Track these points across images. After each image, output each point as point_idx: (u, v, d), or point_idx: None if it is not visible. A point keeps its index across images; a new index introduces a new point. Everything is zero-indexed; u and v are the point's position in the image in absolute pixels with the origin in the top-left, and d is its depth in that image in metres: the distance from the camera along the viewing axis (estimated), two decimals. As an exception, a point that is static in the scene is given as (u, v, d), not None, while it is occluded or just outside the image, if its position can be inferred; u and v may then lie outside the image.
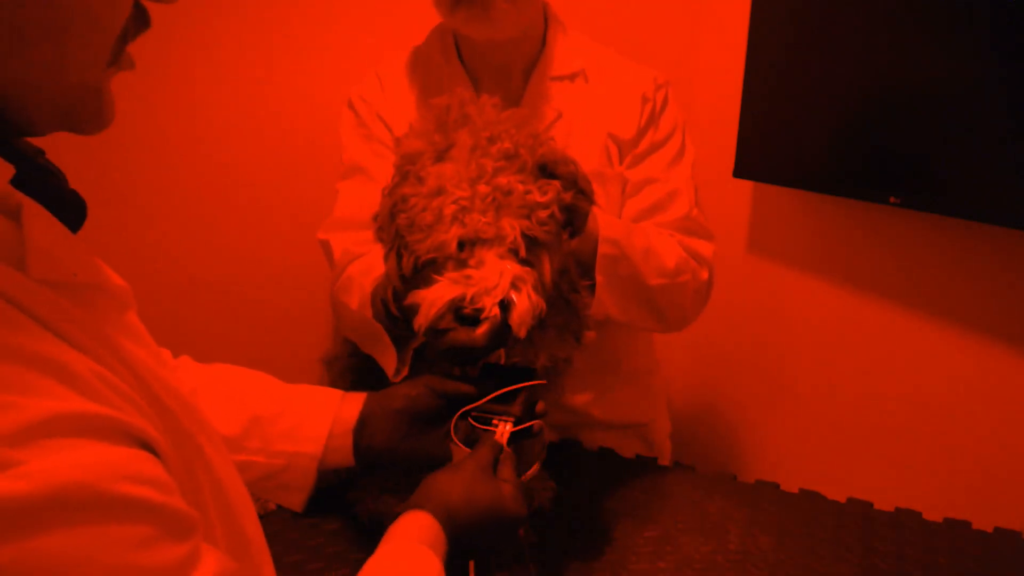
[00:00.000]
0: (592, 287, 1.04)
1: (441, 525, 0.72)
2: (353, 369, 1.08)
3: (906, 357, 1.47)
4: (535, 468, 0.86)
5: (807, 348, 1.71)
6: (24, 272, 0.44)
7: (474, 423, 0.86)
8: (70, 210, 0.51)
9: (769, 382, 1.83)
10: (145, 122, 1.63)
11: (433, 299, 0.81)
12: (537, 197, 0.82)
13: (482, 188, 0.81)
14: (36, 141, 0.51)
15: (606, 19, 1.75)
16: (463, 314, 0.80)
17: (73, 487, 0.38)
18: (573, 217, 0.88)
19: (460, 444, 0.86)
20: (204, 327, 1.73)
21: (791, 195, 1.67)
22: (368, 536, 0.99)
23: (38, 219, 0.47)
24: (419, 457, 0.88)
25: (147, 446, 0.45)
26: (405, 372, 0.96)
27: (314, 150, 1.71)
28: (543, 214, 0.83)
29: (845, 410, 1.61)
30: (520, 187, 0.82)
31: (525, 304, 0.80)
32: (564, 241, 0.90)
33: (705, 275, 1.18)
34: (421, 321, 0.82)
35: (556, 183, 0.85)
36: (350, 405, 0.90)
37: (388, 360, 0.97)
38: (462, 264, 0.82)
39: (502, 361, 0.92)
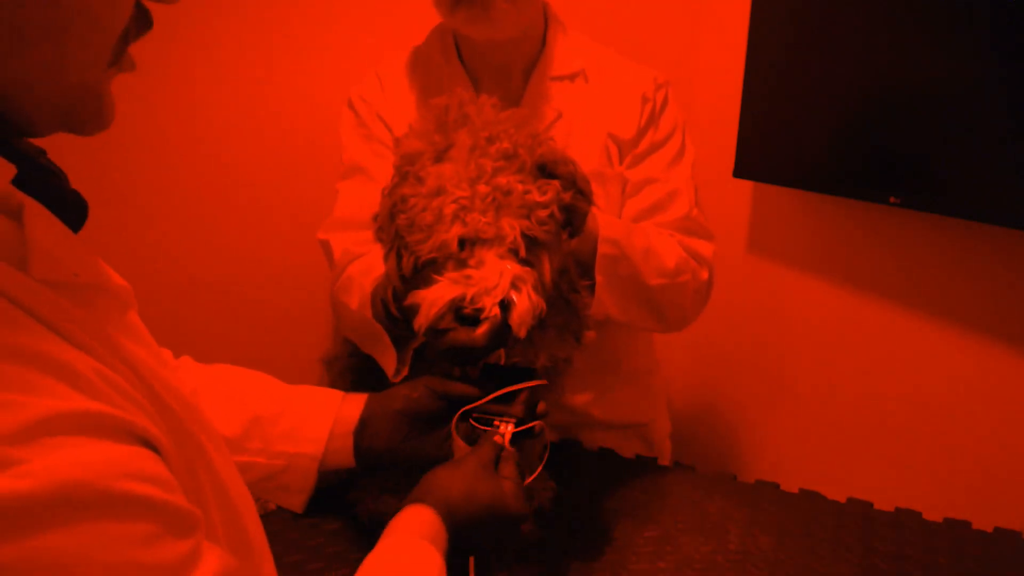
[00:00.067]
0: (592, 287, 1.04)
1: (442, 520, 0.72)
2: (353, 369, 1.08)
3: (906, 357, 1.47)
4: (539, 471, 0.86)
5: (807, 348, 1.71)
6: (26, 272, 0.44)
7: (475, 424, 0.86)
8: (71, 210, 0.51)
9: (769, 382, 1.83)
10: (145, 122, 1.63)
11: (433, 299, 0.81)
12: (536, 197, 0.82)
13: (482, 188, 0.81)
14: (37, 141, 0.51)
15: (606, 19, 1.75)
16: (463, 314, 0.80)
17: (75, 485, 0.38)
18: (572, 217, 0.88)
19: (462, 441, 0.86)
20: (204, 327, 1.73)
21: (791, 195, 1.67)
22: (368, 536, 0.98)
23: (40, 219, 0.47)
24: (420, 458, 0.88)
25: (149, 444, 0.45)
26: (405, 372, 0.96)
27: (314, 150, 1.71)
28: (542, 214, 0.83)
29: (845, 410, 1.61)
30: (519, 187, 0.81)
31: (525, 304, 0.80)
32: (564, 241, 0.90)
33: (705, 275, 1.18)
34: (421, 321, 0.82)
35: (555, 183, 0.85)
36: (351, 406, 0.90)
37: (388, 360, 0.97)
38: (462, 264, 0.82)
39: (502, 361, 0.92)
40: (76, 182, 0.53)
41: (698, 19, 1.87)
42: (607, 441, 1.29)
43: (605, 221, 1.06)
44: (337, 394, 0.92)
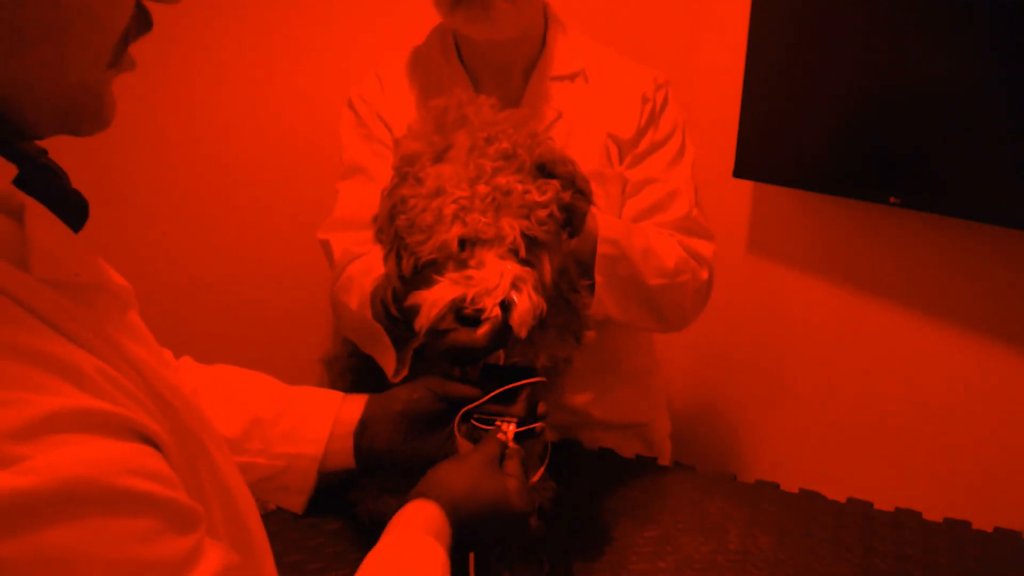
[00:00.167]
0: (592, 287, 1.04)
1: (446, 515, 0.72)
2: (353, 369, 1.08)
3: (906, 357, 1.47)
4: (541, 471, 0.86)
5: (807, 348, 1.72)
6: (27, 271, 0.44)
7: (477, 424, 0.86)
8: (72, 210, 0.51)
9: (769, 382, 1.83)
10: (145, 122, 1.64)
11: (434, 300, 0.81)
12: (536, 197, 0.82)
13: (481, 188, 0.80)
14: (38, 141, 0.51)
15: (606, 19, 1.75)
16: (464, 315, 0.80)
17: (77, 481, 0.38)
18: (572, 217, 0.88)
19: (465, 440, 0.85)
20: (204, 327, 1.74)
21: (791, 195, 1.67)
22: (368, 536, 0.98)
23: (41, 219, 0.47)
24: (420, 459, 0.88)
25: (151, 441, 0.45)
26: (405, 373, 0.96)
27: (314, 150, 1.71)
28: (542, 214, 0.83)
29: (845, 410, 1.61)
30: (519, 187, 0.81)
31: (526, 304, 0.80)
32: (564, 241, 0.90)
33: (705, 275, 1.18)
34: (422, 322, 0.81)
35: (555, 183, 0.85)
36: (351, 407, 0.90)
37: (388, 361, 0.97)
38: (462, 265, 0.82)
39: (501, 361, 0.92)
40: (76, 182, 0.53)
41: (698, 19, 1.87)
42: (607, 441, 1.29)
43: (605, 221, 1.06)
44: (337, 395, 0.92)
